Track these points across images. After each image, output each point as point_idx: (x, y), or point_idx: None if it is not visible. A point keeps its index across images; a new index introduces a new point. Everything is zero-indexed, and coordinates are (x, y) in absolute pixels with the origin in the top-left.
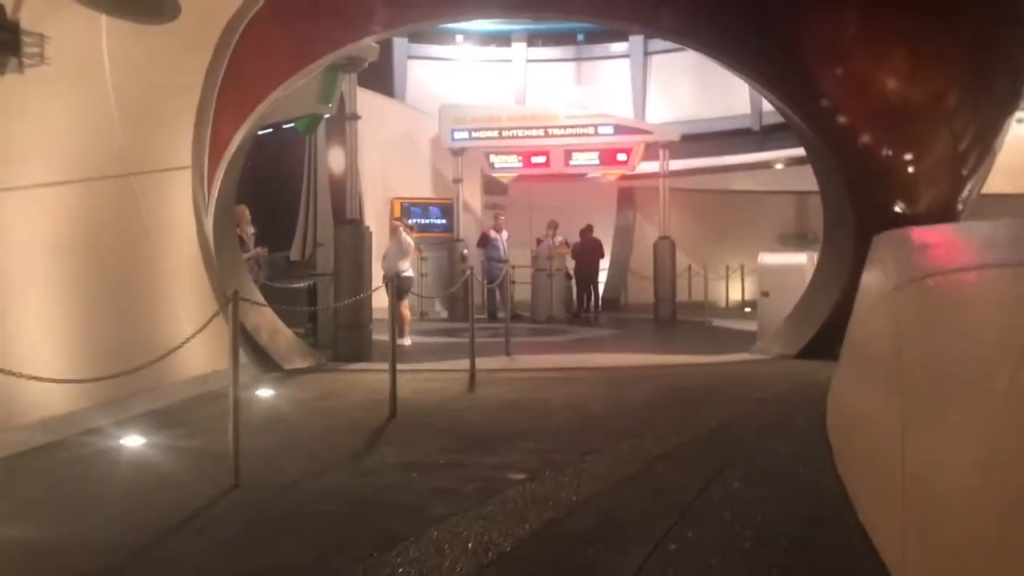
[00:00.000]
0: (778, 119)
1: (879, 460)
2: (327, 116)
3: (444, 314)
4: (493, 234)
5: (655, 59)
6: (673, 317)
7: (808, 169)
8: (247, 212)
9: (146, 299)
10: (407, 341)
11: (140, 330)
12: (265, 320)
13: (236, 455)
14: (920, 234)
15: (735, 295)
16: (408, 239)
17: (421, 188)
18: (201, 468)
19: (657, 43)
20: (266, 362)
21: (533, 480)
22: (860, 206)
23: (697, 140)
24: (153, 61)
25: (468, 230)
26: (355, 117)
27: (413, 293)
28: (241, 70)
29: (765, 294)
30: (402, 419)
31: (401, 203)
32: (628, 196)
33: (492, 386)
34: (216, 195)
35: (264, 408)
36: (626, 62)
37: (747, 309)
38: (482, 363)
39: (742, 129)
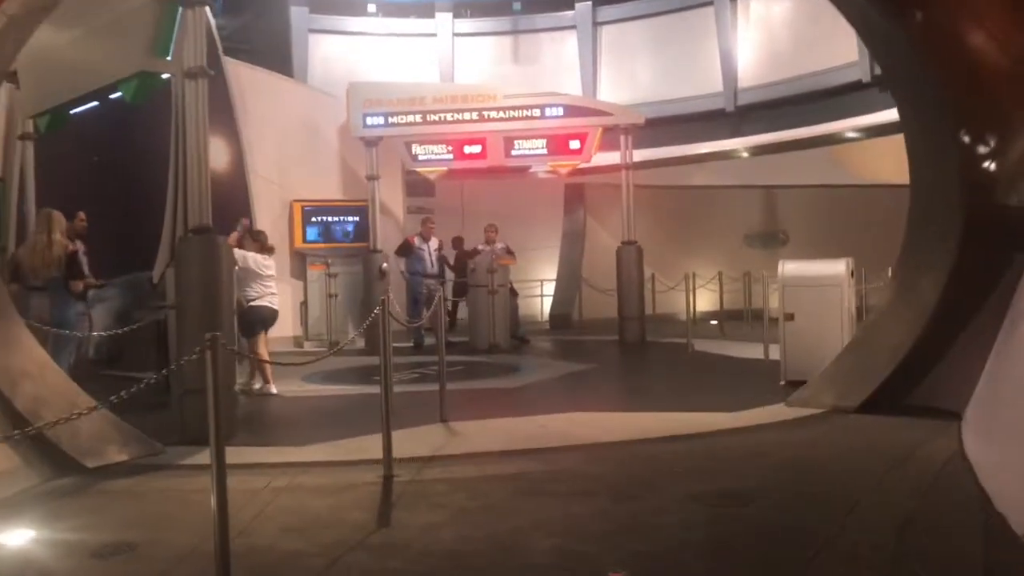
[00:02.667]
0: (756, 97)
1: None
2: (167, 76)
3: (360, 343)
4: (417, 242)
5: (606, 30)
6: (642, 339)
7: (777, 160)
8: (62, 219)
9: None
10: (272, 389)
11: None
12: (53, 390)
13: None
14: None
15: (701, 306)
16: (247, 255)
17: (328, 188)
18: None
19: (608, 10)
20: (55, 458)
21: None
22: (978, 197)
23: (659, 125)
24: None
25: (388, 239)
26: (203, 74)
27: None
28: None
29: (789, 317)
30: None
31: (303, 206)
32: (577, 194)
33: (420, 506)
34: None
35: None
36: (572, 35)
37: (712, 322)
38: (405, 442)
39: (713, 111)
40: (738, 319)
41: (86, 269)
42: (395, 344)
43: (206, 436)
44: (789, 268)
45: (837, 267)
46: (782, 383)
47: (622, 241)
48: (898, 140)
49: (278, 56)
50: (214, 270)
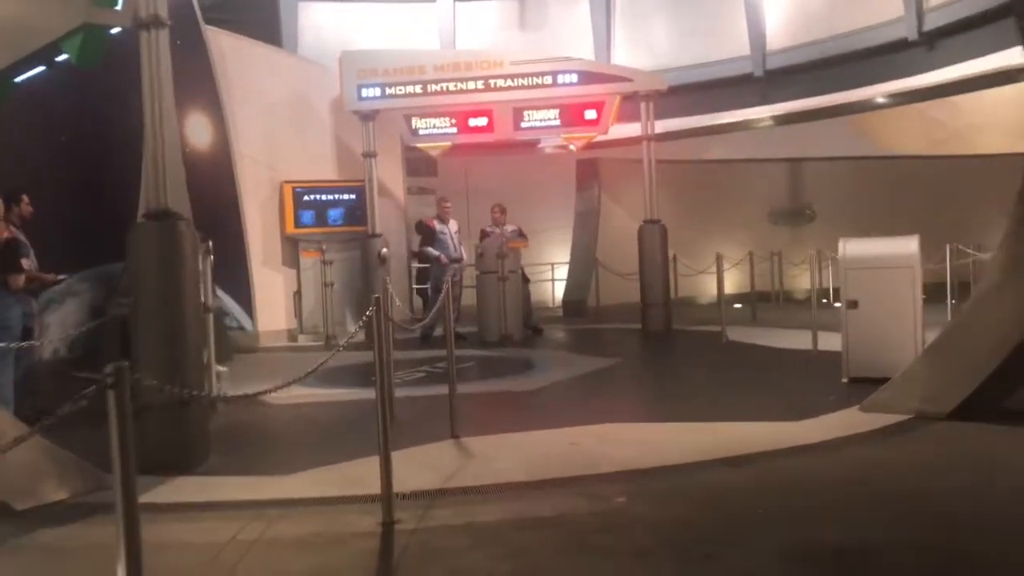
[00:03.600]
0: (786, 61)
1: None
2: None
3: (360, 336)
4: (437, 225)
5: None
6: (668, 327)
7: (801, 130)
8: None
9: None
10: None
11: None
12: None
13: None
14: None
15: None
16: None
17: (321, 167)
18: None
19: None
20: None
21: None
22: None
23: (680, 94)
24: None
25: (387, 222)
26: (158, 24)
27: None
28: None
29: (852, 304)
30: None
31: (294, 187)
32: (590, 170)
33: (430, 570)
34: None
35: None
36: None
37: (737, 305)
38: (410, 467)
39: (739, 76)
40: (766, 301)
41: (33, 261)
42: (398, 336)
43: (170, 461)
44: (852, 248)
45: (908, 246)
46: (845, 380)
47: (644, 220)
48: (936, 106)
49: (266, 26)
50: (174, 264)
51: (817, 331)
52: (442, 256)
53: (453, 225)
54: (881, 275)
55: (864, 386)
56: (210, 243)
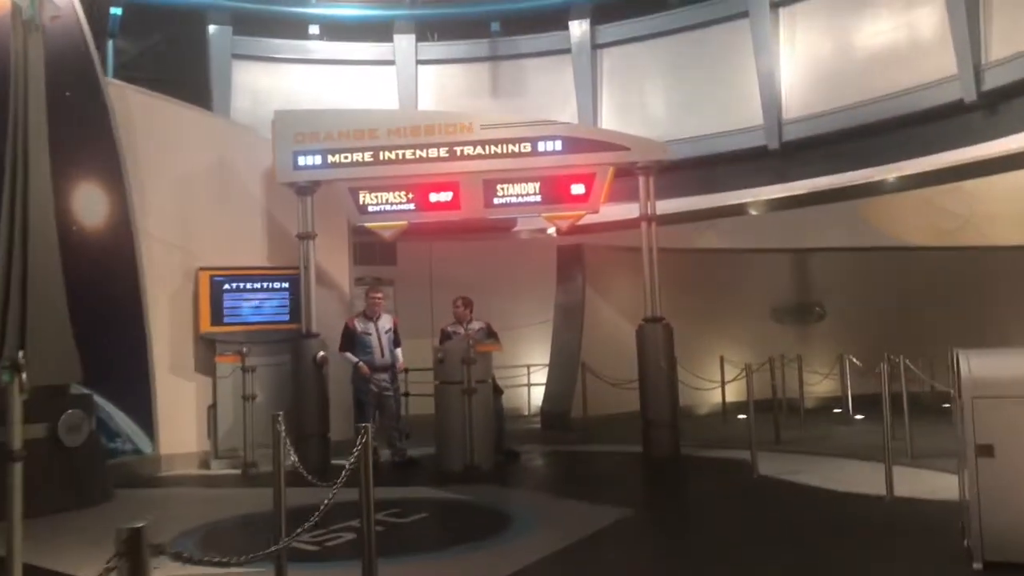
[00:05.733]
0: (807, 131)
1: None
2: None
3: (290, 458)
4: (359, 324)
5: (609, 53)
6: (677, 453)
7: (809, 216)
8: None
9: None
10: None
11: None
12: None
13: None
14: None
15: (729, 395)
16: None
17: (248, 251)
18: None
19: (611, 29)
20: None
21: None
22: None
23: (680, 170)
24: None
25: (328, 318)
26: None
27: None
28: None
29: (985, 451)
30: None
31: (212, 275)
32: (573, 258)
33: None
34: None
35: None
36: (566, 60)
37: (740, 416)
38: None
39: (752, 149)
40: (769, 412)
41: None
42: (338, 461)
43: None
44: (980, 366)
45: None
46: (978, 567)
47: (644, 318)
48: (943, 193)
49: (194, 86)
50: None
51: (891, 467)
52: (361, 364)
53: (385, 322)
54: None
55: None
56: None
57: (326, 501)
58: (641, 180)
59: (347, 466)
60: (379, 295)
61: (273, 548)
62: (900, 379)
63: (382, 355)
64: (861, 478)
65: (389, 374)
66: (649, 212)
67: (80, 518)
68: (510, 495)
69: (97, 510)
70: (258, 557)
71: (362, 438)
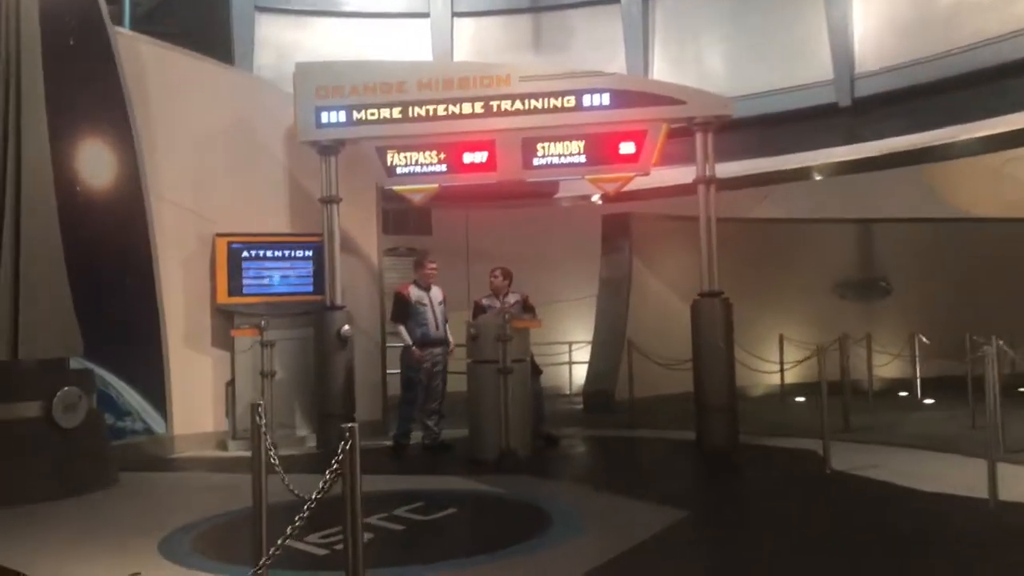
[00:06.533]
0: (883, 86)
1: None
2: None
3: (312, 441)
4: (414, 293)
5: (662, 3)
6: (735, 442)
7: (876, 183)
8: None
9: None
10: None
11: None
12: None
13: None
14: None
15: (789, 378)
16: None
17: (269, 217)
18: None
19: None
20: None
21: None
22: None
23: (739, 130)
24: None
25: (354, 291)
26: None
27: None
28: None
29: None
30: None
31: (230, 242)
32: (619, 227)
33: None
34: None
35: None
36: (614, 10)
37: (799, 399)
38: None
39: (819, 107)
40: (832, 393)
41: None
42: (364, 443)
43: None
44: None
45: None
46: None
47: (700, 292)
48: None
49: (215, 40)
50: None
51: (995, 464)
52: (414, 348)
53: (436, 293)
54: None
55: None
56: None
57: (313, 496)
58: (699, 138)
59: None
60: (433, 264)
61: (264, 560)
62: (989, 361)
63: (436, 328)
64: (950, 475)
65: (442, 349)
66: (707, 174)
67: (70, 507)
68: (549, 488)
69: (93, 498)
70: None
71: (346, 444)
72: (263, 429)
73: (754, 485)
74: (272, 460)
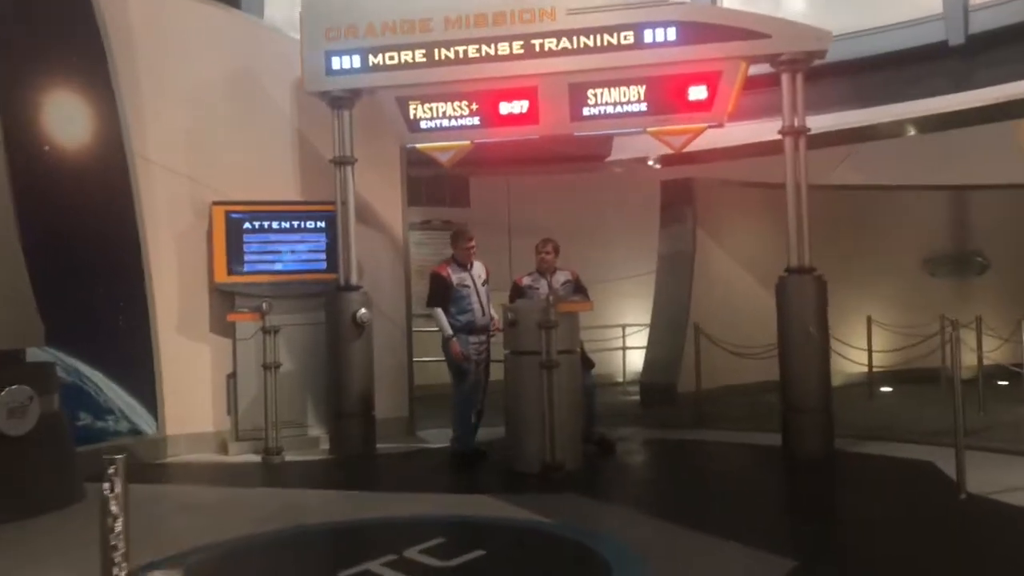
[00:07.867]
0: (1004, 19)
1: None
2: None
3: (324, 444)
4: (452, 273)
5: None
6: (829, 449)
7: (976, 145)
8: None
9: None
10: None
11: None
12: None
13: None
14: None
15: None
16: None
17: (275, 182)
18: None
19: None
20: None
21: None
22: None
23: (828, 76)
24: None
25: (374, 270)
26: None
27: None
28: None
29: None
30: None
31: (228, 211)
32: (681, 195)
33: None
34: None
35: None
36: None
37: (885, 389)
38: None
39: (926, 47)
40: (928, 383)
41: None
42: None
43: None
44: None
45: None
46: None
47: (787, 268)
48: None
49: None
50: None
51: None
52: (454, 341)
53: (479, 271)
54: None
55: None
56: None
57: None
58: (785, 80)
59: None
60: (472, 241)
61: None
62: None
63: (483, 312)
64: None
65: (486, 336)
66: (797, 124)
67: (9, 533)
68: (605, 516)
69: (42, 522)
70: None
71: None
72: None
73: (870, 515)
74: None
